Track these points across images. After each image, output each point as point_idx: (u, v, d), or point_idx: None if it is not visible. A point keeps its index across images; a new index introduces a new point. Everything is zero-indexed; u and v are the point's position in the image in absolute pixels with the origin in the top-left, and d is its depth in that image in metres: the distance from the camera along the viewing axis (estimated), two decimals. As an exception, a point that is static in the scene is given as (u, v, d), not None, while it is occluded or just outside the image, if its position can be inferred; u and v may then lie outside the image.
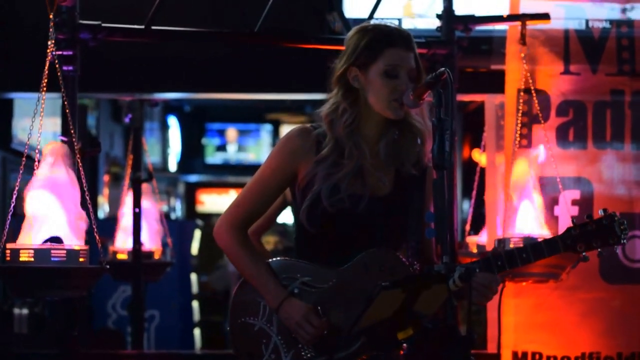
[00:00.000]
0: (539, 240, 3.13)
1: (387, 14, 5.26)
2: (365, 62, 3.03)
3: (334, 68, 3.10)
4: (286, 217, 3.30)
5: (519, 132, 4.71)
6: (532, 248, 3.00)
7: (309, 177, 3.04)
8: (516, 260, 2.99)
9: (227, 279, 9.76)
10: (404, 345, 2.89)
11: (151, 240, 6.33)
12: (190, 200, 16.40)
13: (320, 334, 2.98)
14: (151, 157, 7.68)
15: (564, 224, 4.70)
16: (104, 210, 10.99)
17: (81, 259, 3.69)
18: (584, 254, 3.03)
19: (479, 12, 4.96)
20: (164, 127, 14.69)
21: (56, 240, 3.66)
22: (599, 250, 3.04)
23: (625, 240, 3.01)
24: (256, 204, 3.12)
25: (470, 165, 8.06)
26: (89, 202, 3.90)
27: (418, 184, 3.12)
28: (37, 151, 3.83)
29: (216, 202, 16.04)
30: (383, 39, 3.03)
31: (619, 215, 3.04)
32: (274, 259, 3.11)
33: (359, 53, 3.04)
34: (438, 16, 4.81)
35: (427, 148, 3.07)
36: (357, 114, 3.06)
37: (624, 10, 4.90)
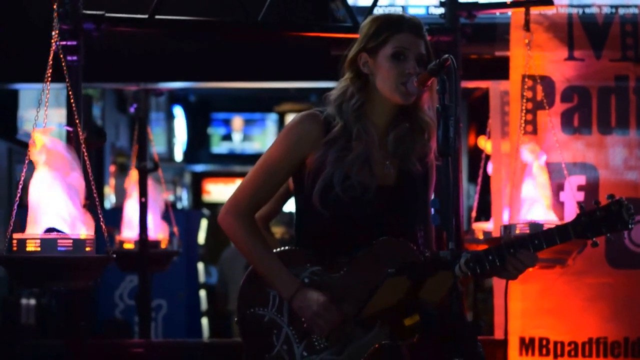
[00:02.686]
0: (548, 226, 3.12)
1: (390, 1, 5.27)
2: (375, 47, 3.04)
3: (346, 55, 3.11)
4: (293, 207, 3.29)
5: (523, 118, 4.71)
6: (545, 235, 3.00)
7: (320, 161, 3.02)
8: (528, 247, 2.98)
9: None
10: (416, 334, 2.89)
11: (157, 230, 6.34)
12: (196, 190, 16.39)
13: (339, 323, 2.97)
14: (157, 147, 7.69)
15: (570, 209, 4.69)
16: (110, 200, 11.00)
17: (87, 249, 3.69)
18: (594, 239, 3.03)
19: (482, -1, 4.95)
20: (170, 117, 14.68)
21: (53, 231, 3.65)
22: (607, 235, 3.05)
23: (632, 225, 3.01)
24: (263, 189, 3.09)
25: (476, 153, 8.06)
26: (94, 192, 3.91)
27: (422, 178, 3.12)
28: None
29: (222, 191, 16.01)
30: (392, 24, 3.04)
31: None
32: (280, 248, 3.09)
33: (368, 38, 3.05)
34: (442, 3, 4.81)
35: (433, 143, 3.06)
36: (365, 99, 3.05)
37: None
